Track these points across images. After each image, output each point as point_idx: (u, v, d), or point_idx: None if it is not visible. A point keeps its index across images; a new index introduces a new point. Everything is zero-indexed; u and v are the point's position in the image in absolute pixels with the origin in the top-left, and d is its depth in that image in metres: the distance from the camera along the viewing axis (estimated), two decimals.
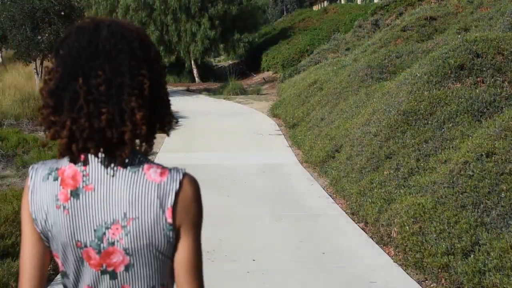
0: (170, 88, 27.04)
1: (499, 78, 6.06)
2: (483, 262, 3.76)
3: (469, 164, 4.59)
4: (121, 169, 1.20)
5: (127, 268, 1.20)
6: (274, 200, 6.57)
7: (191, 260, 1.22)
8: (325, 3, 44.84)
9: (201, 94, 20.84)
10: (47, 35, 17.58)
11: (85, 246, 1.19)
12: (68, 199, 1.19)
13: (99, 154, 1.19)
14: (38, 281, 1.24)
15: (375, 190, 5.70)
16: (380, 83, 9.16)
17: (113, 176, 1.20)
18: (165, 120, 1.26)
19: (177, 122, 1.30)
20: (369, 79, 9.82)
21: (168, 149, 9.99)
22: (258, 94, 19.98)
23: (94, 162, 1.20)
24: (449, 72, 6.41)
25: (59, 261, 1.25)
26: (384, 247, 5.00)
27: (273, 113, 14.22)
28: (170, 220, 1.19)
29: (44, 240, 1.24)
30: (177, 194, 1.20)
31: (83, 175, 1.20)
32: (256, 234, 5.34)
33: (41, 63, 18.19)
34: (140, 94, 1.17)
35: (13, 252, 4.46)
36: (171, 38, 24.32)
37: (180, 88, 24.63)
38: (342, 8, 28.77)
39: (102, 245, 1.19)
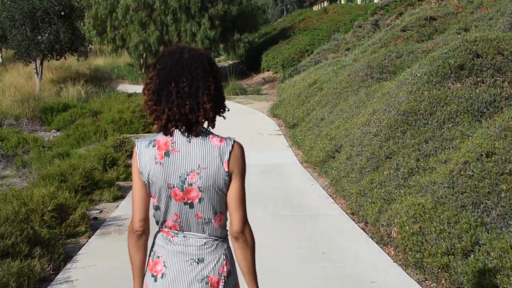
0: None
1: (499, 78, 6.05)
2: (483, 262, 3.76)
3: (469, 164, 4.59)
4: (195, 138, 1.92)
5: (200, 200, 1.92)
6: (274, 200, 6.57)
7: (238, 194, 1.94)
8: (325, 3, 44.83)
9: None
10: (47, 35, 17.57)
11: (173, 187, 1.91)
12: (163, 157, 1.91)
13: (182, 129, 1.90)
14: (144, 208, 1.99)
15: (375, 190, 5.70)
16: (380, 83, 9.16)
17: (189, 142, 1.91)
18: (222, 109, 1.96)
19: (229, 110, 2.01)
20: (369, 79, 9.82)
21: None
22: (258, 94, 19.98)
23: (178, 134, 1.92)
24: (449, 72, 6.41)
25: (154, 200, 1.96)
26: (384, 247, 5.00)
27: (273, 113, 14.22)
28: (226, 169, 1.91)
29: (146, 185, 1.96)
30: (230, 153, 1.92)
31: (172, 143, 1.92)
32: (256, 234, 5.30)
33: (41, 63, 18.16)
34: (208, 93, 1.89)
35: (13, 252, 4.44)
36: (171, 38, 24.27)
37: None
38: (342, 8, 28.75)
39: (184, 185, 1.91)
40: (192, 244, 1.96)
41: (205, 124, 1.95)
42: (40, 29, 17.62)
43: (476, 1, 12.90)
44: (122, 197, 6.99)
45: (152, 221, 2.03)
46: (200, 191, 1.90)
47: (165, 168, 1.90)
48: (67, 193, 5.91)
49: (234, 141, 1.95)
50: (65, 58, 19.05)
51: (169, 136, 1.92)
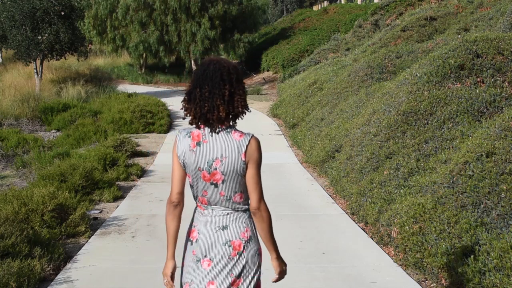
0: (169, 88, 26.60)
1: (499, 78, 6.05)
2: (483, 262, 3.76)
3: (469, 164, 4.59)
4: (221, 132, 2.39)
5: (223, 181, 2.39)
6: (274, 200, 6.57)
7: (254, 178, 2.38)
8: (325, 3, 44.85)
9: None
10: (47, 35, 17.55)
11: (202, 170, 2.40)
12: (195, 146, 2.41)
13: (206, 125, 2.40)
14: (180, 183, 2.47)
15: (375, 190, 5.70)
16: (380, 83, 9.16)
17: (215, 136, 2.39)
18: (238, 111, 2.41)
19: (250, 111, 2.50)
20: (369, 79, 9.82)
21: (167, 149, 10.01)
22: (258, 94, 19.98)
23: (206, 129, 2.41)
24: (449, 72, 6.41)
25: (190, 179, 2.47)
26: (384, 247, 5.00)
27: (273, 113, 14.22)
28: (243, 159, 2.36)
29: (182, 167, 2.46)
30: (247, 146, 2.37)
31: (202, 135, 2.41)
32: None
33: (41, 63, 18.15)
34: (222, 98, 2.36)
35: (13, 252, 4.43)
36: (171, 38, 24.28)
37: (180, 88, 24.58)
38: (342, 8, 28.75)
39: (210, 169, 2.39)
40: (218, 215, 2.44)
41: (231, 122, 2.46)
42: (40, 29, 17.61)
43: (476, 1, 12.90)
44: (122, 197, 6.99)
45: (187, 201, 2.53)
46: (223, 174, 2.37)
47: (196, 155, 2.40)
48: (67, 193, 5.91)
49: (252, 136, 2.40)
50: (65, 58, 19.03)
51: (201, 129, 2.41)
